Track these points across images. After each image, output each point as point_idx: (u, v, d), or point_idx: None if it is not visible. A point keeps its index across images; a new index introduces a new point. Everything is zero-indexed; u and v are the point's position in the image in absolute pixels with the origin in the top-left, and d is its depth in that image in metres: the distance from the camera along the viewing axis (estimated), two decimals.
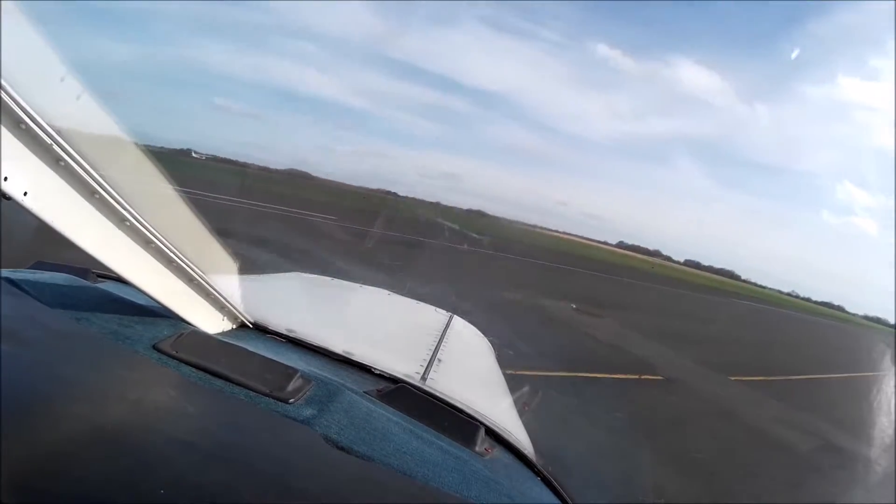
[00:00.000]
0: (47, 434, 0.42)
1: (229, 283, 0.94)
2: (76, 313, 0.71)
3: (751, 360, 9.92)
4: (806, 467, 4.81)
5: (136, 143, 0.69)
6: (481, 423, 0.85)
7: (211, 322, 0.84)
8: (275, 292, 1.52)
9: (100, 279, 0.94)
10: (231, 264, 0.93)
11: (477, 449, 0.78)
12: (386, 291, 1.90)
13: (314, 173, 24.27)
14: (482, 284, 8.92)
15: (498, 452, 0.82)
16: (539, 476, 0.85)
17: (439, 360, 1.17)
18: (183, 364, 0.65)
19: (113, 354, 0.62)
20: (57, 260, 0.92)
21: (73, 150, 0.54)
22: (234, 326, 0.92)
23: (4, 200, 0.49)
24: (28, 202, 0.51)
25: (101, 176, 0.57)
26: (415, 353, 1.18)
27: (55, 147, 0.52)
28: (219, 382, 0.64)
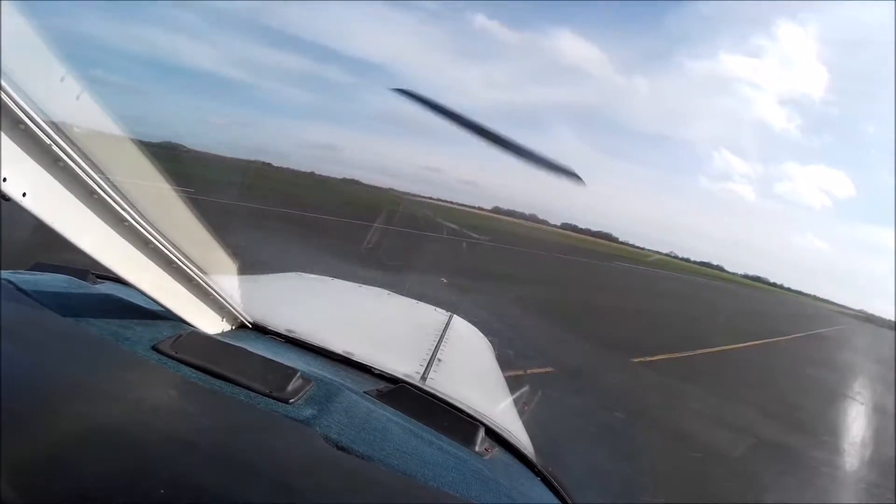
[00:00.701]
0: (47, 434, 0.42)
1: (229, 283, 0.94)
2: (76, 314, 0.70)
3: (648, 334, 9.18)
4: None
5: (136, 143, 0.70)
6: (481, 422, 0.85)
7: (210, 322, 0.84)
8: (274, 292, 1.52)
9: (99, 280, 0.94)
10: (230, 264, 0.93)
11: (477, 449, 0.78)
12: (386, 291, 1.90)
13: (189, 145, 23.68)
14: (346, 259, 7.22)
15: (498, 452, 0.82)
16: (539, 476, 0.85)
17: (439, 360, 1.17)
18: (183, 364, 0.65)
19: (112, 355, 0.62)
20: (56, 261, 0.92)
21: (72, 150, 0.54)
22: (234, 327, 0.92)
23: (4, 201, 0.49)
24: (27, 203, 0.51)
25: (100, 176, 0.57)
26: (415, 353, 1.18)
27: (54, 148, 0.52)
28: (218, 383, 0.64)
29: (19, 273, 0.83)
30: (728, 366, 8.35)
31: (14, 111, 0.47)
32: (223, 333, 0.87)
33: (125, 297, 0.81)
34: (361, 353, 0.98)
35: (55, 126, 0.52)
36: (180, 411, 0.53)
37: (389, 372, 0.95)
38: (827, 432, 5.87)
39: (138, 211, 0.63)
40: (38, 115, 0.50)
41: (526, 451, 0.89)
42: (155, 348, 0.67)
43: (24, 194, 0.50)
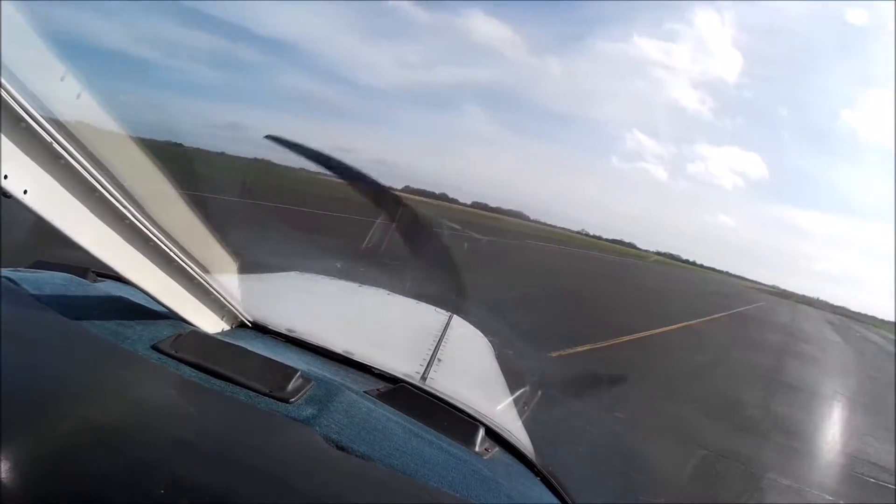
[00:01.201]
0: (47, 434, 0.42)
1: (229, 282, 0.94)
2: (76, 313, 0.70)
3: (565, 321, 8.07)
4: None
5: (137, 141, 0.70)
6: (481, 422, 0.85)
7: (210, 321, 0.84)
8: (274, 292, 1.52)
9: (99, 278, 0.94)
10: (231, 264, 0.93)
11: (477, 449, 0.77)
12: (386, 291, 1.89)
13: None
14: (248, 242, 6.43)
15: (498, 452, 0.82)
16: (539, 476, 0.85)
17: (439, 360, 1.17)
18: (182, 364, 0.65)
19: (112, 354, 0.62)
20: (57, 259, 0.92)
21: (73, 148, 0.54)
22: (234, 326, 0.92)
23: (4, 199, 0.49)
24: (28, 200, 0.51)
25: (101, 174, 0.57)
26: (415, 353, 1.18)
27: (55, 145, 0.52)
28: (218, 382, 0.64)
29: (19, 271, 0.82)
30: (659, 355, 7.64)
31: (15, 108, 0.47)
32: (223, 332, 0.87)
33: (125, 296, 0.81)
34: (361, 353, 0.98)
35: (56, 123, 0.52)
36: (180, 410, 0.53)
37: (389, 372, 0.95)
38: (801, 437, 5.41)
39: (139, 209, 0.63)
40: (38, 113, 0.50)
41: (526, 451, 0.89)
42: (155, 347, 0.67)
43: (24, 192, 0.50)
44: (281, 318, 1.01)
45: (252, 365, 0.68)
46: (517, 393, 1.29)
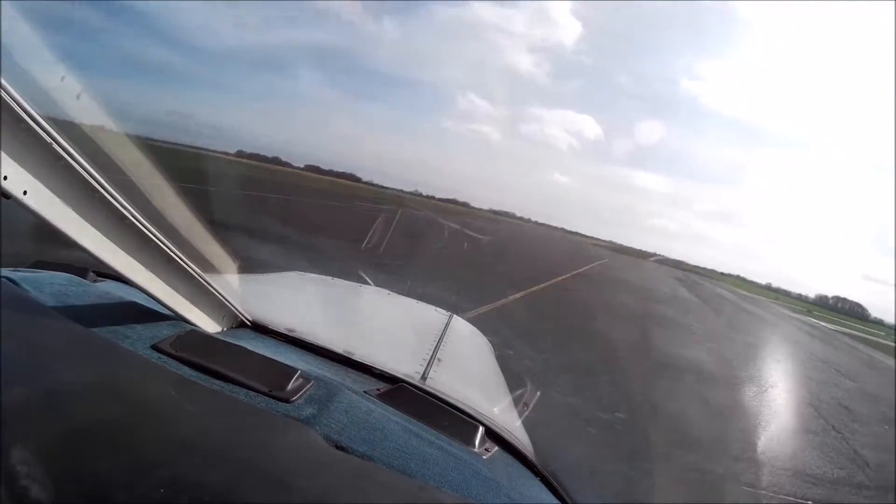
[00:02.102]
0: (47, 434, 0.42)
1: (229, 282, 0.94)
2: (76, 312, 0.70)
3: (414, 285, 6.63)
4: None
5: (137, 142, 0.70)
6: (481, 422, 0.85)
7: (210, 321, 0.84)
8: (274, 292, 1.52)
9: (99, 278, 0.94)
10: (231, 264, 0.93)
11: (477, 449, 0.78)
12: (386, 291, 1.90)
13: None
14: None
15: (498, 452, 0.82)
16: (539, 476, 0.85)
17: (439, 360, 1.17)
18: (182, 363, 0.65)
19: (112, 354, 0.62)
20: (57, 259, 0.92)
21: (73, 148, 0.54)
22: (234, 326, 0.92)
23: (4, 199, 0.49)
24: (28, 201, 0.51)
25: (100, 174, 0.57)
26: (415, 353, 1.18)
27: (55, 146, 0.52)
28: (218, 382, 0.64)
29: (19, 271, 0.83)
30: (524, 320, 7.03)
31: (15, 109, 0.47)
32: (223, 332, 0.87)
33: (125, 296, 0.81)
34: (361, 353, 0.98)
35: (56, 124, 0.52)
36: (180, 410, 0.53)
37: (389, 371, 0.95)
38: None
39: (139, 209, 0.64)
40: (38, 114, 0.50)
41: (526, 451, 0.89)
42: (155, 347, 0.67)
43: (24, 192, 0.50)
44: (281, 317, 1.01)
45: (252, 365, 0.68)
46: (517, 393, 1.29)
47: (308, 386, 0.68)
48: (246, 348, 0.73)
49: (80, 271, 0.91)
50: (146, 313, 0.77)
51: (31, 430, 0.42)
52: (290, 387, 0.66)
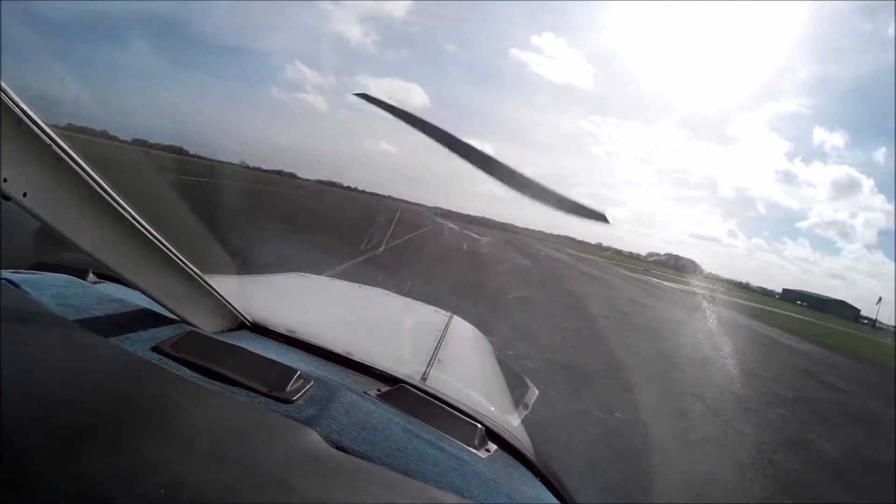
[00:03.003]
0: (48, 435, 0.42)
1: (229, 283, 0.94)
2: (76, 314, 0.70)
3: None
4: None
5: (137, 143, 0.69)
6: (481, 422, 0.85)
7: (210, 322, 0.84)
8: (274, 292, 1.52)
9: (99, 280, 0.94)
10: (230, 264, 0.93)
11: (477, 449, 0.78)
12: (386, 291, 1.90)
13: None
14: None
15: (498, 452, 0.82)
16: (539, 476, 0.85)
17: (439, 360, 1.17)
18: (182, 365, 0.65)
19: (112, 355, 0.62)
20: (57, 260, 0.92)
21: (73, 150, 0.54)
22: (234, 327, 0.92)
23: (4, 201, 0.49)
24: (28, 203, 0.51)
25: (100, 176, 0.57)
26: (415, 353, 1.18)
27: (55, 147, 0.52)
28: (219, 383, 0.64)
29: (19, 272, 0.83)
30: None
31: (14, 111, 0.47)
32: (223, 333, 0.87)
33: (125, 297, 0.81)
34: (361, 353, 0.98)
35: (56, 126, 0.52)
36: (180, 411, 0.53)
37: (390, 372, 0.95)
38: None
39: (139, 211, 0.64)
40: (38, 116, 0.50)
41: (526, 451, 0.89)
42: (155, 348, 0.67)
43: (24, 194, 0.50)
44: (280, 318, 1.02)
45: (252, 365, 0.68)
46: (517, 393, 1.29)
47: (308, 387, 0.68)
48: (246, 349, 0.73)
49: (80, 273, 0.91)
50: (146, 314, 0.77)
51: (31, 432, 0.42)
52: (290, 387, 0.66)
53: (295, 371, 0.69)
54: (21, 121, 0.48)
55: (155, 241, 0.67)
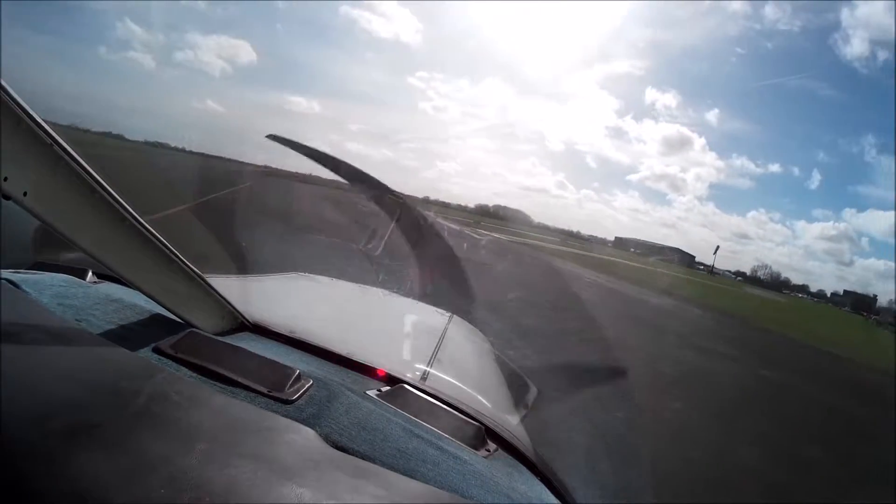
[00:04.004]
0: (48, 436, 0.42)
1: (229, 283, 0.94)
2: (76, 314, 0.70)
3: None
4: None
5: (136, 143, 0.69)
6: (481, 422, 0.85)
7: (210, 323, 0.84)
8: (274, 292, 1.52)
9: (99, 280, 0.94)
10: (230, 264, 0.93)
11: (477, 449, 0.78)
12: (386, 291, 1.90)
13: None
14: None
15: (498, 452, 0.82)
16: (539, 476, 0.85)
17: (439, 360, 1.17)
18: (182, 365, 0.65)
19: (112, 356, 0.62)
20: (56, 260, 0.92)
21: (73, 149, 0.54)
22: (234, 327, 0.92)
23: (4, 201, 0.49)
24: (28, 202, 0.51)
25: (100, 176, 0.57)
26: (415, 353, 1.18)
27: (55, 147, 0.52)
28: (219, 383, 0.64)
29: (19, 272, 0.82)
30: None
31: (15, 110, 0.47)
32: (223, 333, 0.87)
33: (125, 297, 0.81)
34: (362, 353, 0.98)
35: (56, 125, 0.52)
36: (180, 411, 0.53)
37: (390, 372, 0.95)
38: None
39: (139, 211, 0.63)
40: (38, 115, 0.50)
41: (526, 451, 0.89)
42: (155, 348, 0.67)
43: (24, 193, 0.50)
44: (280, 318, 1.01)
45: (252, 365, 0.68)
46: (517, 393, 1.29)
47: (308, 387, 0.68)
48: (246, 349, 0.73)
49: (80, 273, 0.91)
50: (146, 315, 0.77)
51: (31, 432, 0.42)
52: (290, 388, 0.66)
53: (295, 371, 0.69)
54: (21, 120, 0.48)
55: (155, 241, 0.67)
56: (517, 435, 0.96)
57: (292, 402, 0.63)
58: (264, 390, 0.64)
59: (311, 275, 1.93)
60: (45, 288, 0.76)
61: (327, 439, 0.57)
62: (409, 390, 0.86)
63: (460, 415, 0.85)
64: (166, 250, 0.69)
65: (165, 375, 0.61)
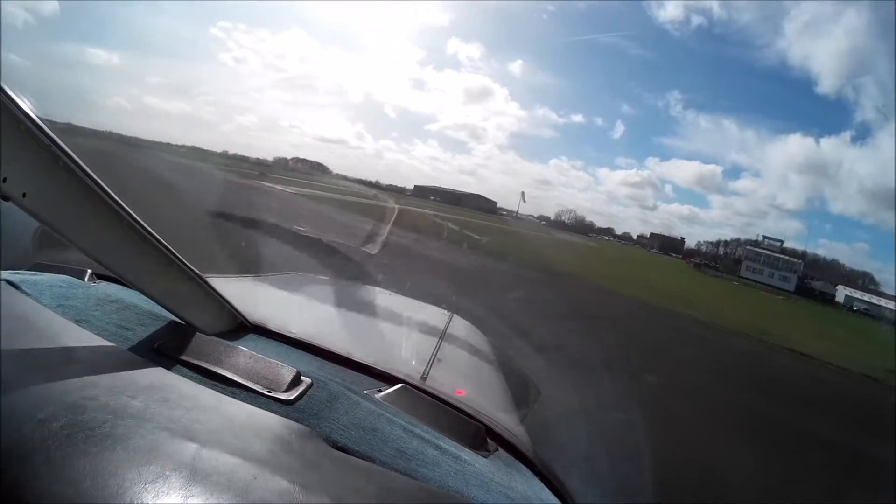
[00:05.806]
0: (48, 436, 0.42)
1: (229, 283, 0.94)
2: (76, 315, 0.70)
3: None
4: None
5: (136, 143, 0.69)
6: (481, 422, 0.85)
7: (210, 323, 0.84)
8: (274, 293, 1.52)
9: (99, 280, 0.94)
10: (230, 265, 0.93)
11: (477, 449, 0.78)
12: (386, 291, 1.90)
13: None
14: None
15: (498, 452, 0.82)
16: (539, 476, 0.85)
17: (439, 360, 1.17)
18: (182, 365, 0.65)
19: (112, 355, 0.62)
20: (56, 261, 0.92)
21: (72, 150, 0.54)
22: (234, 327, 0.92)
23: (4, 202, 0.49)
24: (27, 203, 0.51)
25: (99, 176, 0.57)
26: (415, 353, 1.18)
27: (54, 148, 0.52)
28: (219, 383, 0.64)
29: (19, 273, 0.82)
30: None
31: (14, 111, 0.47)
32: (223, 334, 0.87)
33: (125, 298, 0.81)
34: (362, 353, 0.98)
35: (55, 126, 0.52)
36: (180, 412, 0.53)
37: (390, 372, 0.95)
38: None
39: (138, 211, 0.63)
40: (37, 115, 0.49)
41: (526, 451, 0.89)
42: (155, 349, 0.67)
43: (24, 195, 0.50)
44: (280, 318, 1.01)
45: (252, 366, 0.68)
46: (517, 393, 1.29)
47: (308, 387, 0.68)
48: (246, 349, 0.73)
49: (80, 273, 0.91)
50: (146, 315, 0.77)
51: (31, 432, 0.42)
52: (290, 388, 0.66)
53: (295, 371, 0.69)
54: (20, 121, 0.48)
55: (154, 241, 0.67)
56: (517, 435, 0.96)
57: (292, 402, 0.63)
58: (264, 390, 0.64)
59: (311, 275, 1.93)
60: (45, 289, 0.76)
61: (327, 439, 0.57)
62: (409, 390, 0.86)
63: (460, 415, 0.85)
64: (166, 250, 0.69)
65: (165, 376, 0.61)
